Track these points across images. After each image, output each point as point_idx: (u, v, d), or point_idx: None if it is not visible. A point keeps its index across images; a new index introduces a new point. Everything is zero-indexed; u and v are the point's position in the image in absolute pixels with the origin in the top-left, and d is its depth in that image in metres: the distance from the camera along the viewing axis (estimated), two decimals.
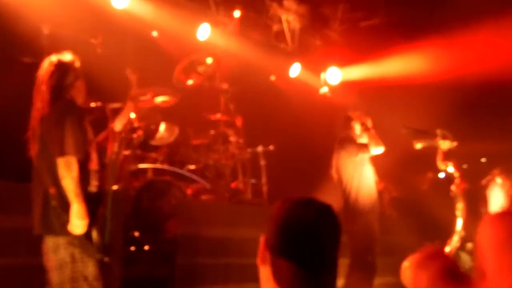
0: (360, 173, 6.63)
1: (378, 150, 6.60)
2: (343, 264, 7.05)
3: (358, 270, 6.19)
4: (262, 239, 1.85)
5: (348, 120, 6.83)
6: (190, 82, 8.16)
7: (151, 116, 7.40)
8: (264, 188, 8.06)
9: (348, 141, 6.72)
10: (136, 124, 6.78)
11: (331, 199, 8.15)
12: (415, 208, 8.65)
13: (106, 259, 4.24)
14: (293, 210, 1.80)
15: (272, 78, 10.31)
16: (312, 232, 1.78)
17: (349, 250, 6.56)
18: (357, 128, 6.75)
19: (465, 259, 8.70)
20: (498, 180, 8.04)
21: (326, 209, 1.84)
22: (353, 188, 6.62)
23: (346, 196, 6.63)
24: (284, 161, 8.72)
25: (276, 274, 1.79)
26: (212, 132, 8.00)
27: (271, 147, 8.15)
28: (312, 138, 9.42)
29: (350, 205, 6.48)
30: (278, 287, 1.79)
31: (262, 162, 8.10)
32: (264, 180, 8.08)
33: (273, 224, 1.80)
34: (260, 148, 8.12)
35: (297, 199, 1.85)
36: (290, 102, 10.02)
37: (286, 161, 8.93)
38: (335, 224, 1.84)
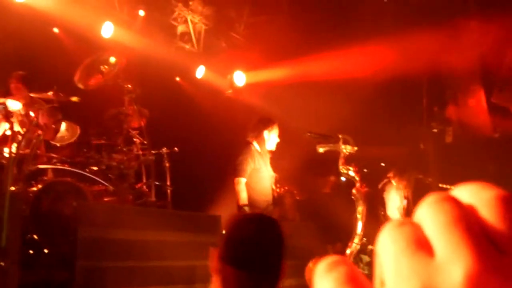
0: (255, 177, 6.77)
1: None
2: None
3: None
4: (213, 251, 2.13)
5: (260, 126, 6.91)
6: (92, 81, 7.98)
7: (51, 115, 7.19)
8: (169, 190, 7.99)
9: (248, 147, 6.82)
10: (35, 123, 6.58)
11: (230, 200, 8.25)
12: (318, 211, 8.84)
13: (2, 263, 4.09)
14: (239, 223, 2.14)
15: (177, 79, 10.26)
16: (254, 242, 2.08)
17: None
18: (266, 135, 6.83)
19: (366, 261, 8.97)
20: (393, 182, 8.37)
21: (269, 222, 2.16)
22: (248, 188, 6.76)
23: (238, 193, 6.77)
24: (189, 163, 8.70)
25: (224, 281, 2.06)
26: (115, 133, 7.86)
27: (175, 149, 8.08)
28: (217, 139, 9.44)
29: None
30: None
31: (167, 164, 8.02)
32: (168, 182, 8.02)
33: (223, 236, 2.11)
34: (164, 150, 8.04)
35: (246, 214, 2.21)
36: (196, 103, 10.02)
37: (191, 163, 8.91)
38: (278, 235, 2.15)
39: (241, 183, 6.62)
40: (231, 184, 7.70)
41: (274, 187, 6.95)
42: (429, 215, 0.39)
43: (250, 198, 6.71)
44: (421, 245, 0.38)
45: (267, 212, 6.68)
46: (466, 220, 0.37)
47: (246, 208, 6.53)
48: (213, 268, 2.11)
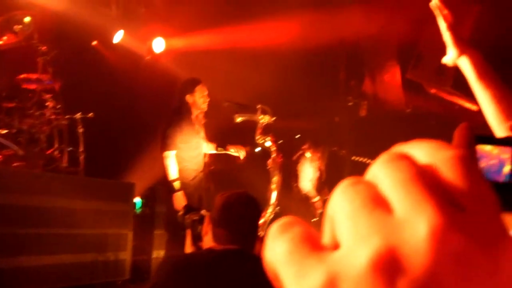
0: (184, 147, 6.52)
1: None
2: (161, 235, 7.07)
3: (176, 239, 6.17)
4: (206, 218, 3.04)
5: (181, 91, 6.62)
6: (5, 41, 7.69)
7: None
8: (81, 157, 7.82)
9: (174, 117, 6.55)
10: None
11: (152, 170, 8.14)
12: (232, 181, 8.85)
13: None
14: (229, 197, 2.91)
15: (94, 43, 10.00)
16: (240, 212, 2.88)
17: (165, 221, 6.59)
18: (189, 99, 6.56)
19: None
20: (308, 154, 8.48)
21: (251, 198, 2.98)
22: (178, 158, 6.52)
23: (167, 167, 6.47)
24: (103, 130, 8.52)
25: (215, 237, 2.88)
26: (27, 95, 7.62)
27: (90, 115, 7.90)
28: (134, 106, 9.30)
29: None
30: (217, 245, 2.86)
31: (80, 130, 7.84)
32: (81, 148, 7.84)
33: (217, 206, 2.90)
34: (78, 115, 7.84)
35: (235, 192, 2.96)
36: (113, 69, 9.79)
37: (106, 130, 8.73)
38: (257, 208, 3.02)
39: (169, 157, 6.38)
40: (148, 152, 7.58)
41: (207, 151, 6.81)
42: (385, 173, 0.39)
43: (180, 168, 6.48)
44: (379, 202, 0.38)
45: (195, 181, 6.59)
46: (424, 177, 0.38)
47: (176, 183, 6.31)
48: (205, 229, 2.98)
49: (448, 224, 0.35)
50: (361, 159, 9.31)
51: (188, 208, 3.55)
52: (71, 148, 7.81)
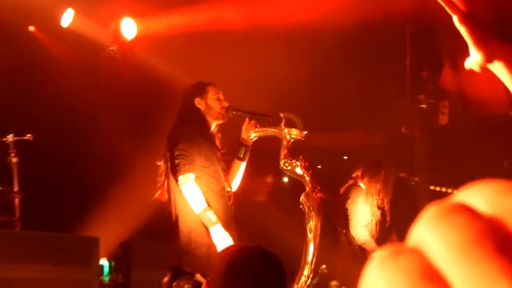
0: (205, 170, 6.57)
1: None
2: None
3: None
4: (204, 285, 2.97)
5: (190, 95, 6.74)
6: None
7: None
8: (16, 200, 7.79)
9: (190, 128, 6.59)
10: None
11: (125, 218, 8.09)
12: (250, 228, 8.77)
13: None
14: (236, 255, 2.89)
15: (31, 29, 10.05)
16: (252, 275, 2.86)
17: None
18: (199, 104, 6.63)
19: None
20: (362, 185, 8.36)
21: (268, 254, 2.96)
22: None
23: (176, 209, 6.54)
24: (48, 158, 8.56)
25: None
26: None
27: (28, 136, 7.87)
28: (92, 122, 9.32)
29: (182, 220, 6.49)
30: None
31: (14, 159, 7.81)
32: (16, 187, 7.81)
33: (219, 267, 2.87)
34: (10, 137, 7.82)
35: (241, 245, 3.01)
36: (60, 66, 9.84)
37: (52, 158, 8.79)
38: (277, 269, 2.98)
39: (189, 181, 6.35)
40: (117, 191, 7.49)
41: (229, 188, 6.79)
42: (435, 234, 0.40)
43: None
44: (431, 279, 0.39)
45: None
46: (491, 236, 0.39)
47: (211, 213, 6.27)
48: None
49: None
50: (443, 189, 9.19)
51: (177, 272, 3.55)
52: (0, 188, 7.78)
